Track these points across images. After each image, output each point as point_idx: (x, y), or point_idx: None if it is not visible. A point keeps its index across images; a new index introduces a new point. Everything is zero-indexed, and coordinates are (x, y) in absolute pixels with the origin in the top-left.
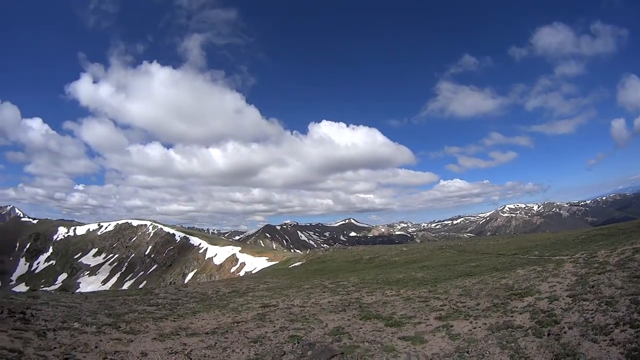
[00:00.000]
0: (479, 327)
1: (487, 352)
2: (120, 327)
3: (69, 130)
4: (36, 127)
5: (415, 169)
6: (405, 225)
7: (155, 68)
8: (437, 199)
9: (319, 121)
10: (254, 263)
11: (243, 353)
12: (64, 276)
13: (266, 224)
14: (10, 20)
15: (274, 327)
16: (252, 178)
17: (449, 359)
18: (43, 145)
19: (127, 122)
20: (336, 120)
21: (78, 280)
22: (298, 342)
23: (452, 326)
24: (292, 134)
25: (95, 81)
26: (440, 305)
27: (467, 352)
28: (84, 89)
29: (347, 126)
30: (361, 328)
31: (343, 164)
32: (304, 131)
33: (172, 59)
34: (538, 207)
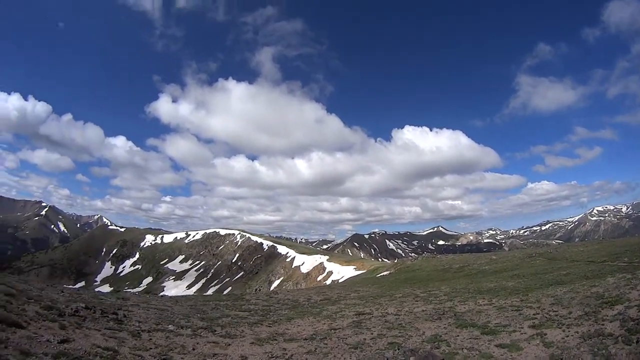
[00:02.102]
0: (572, 335)
1: (580, 359)
2: (215, 330)
3: (153, 146)
4: (120, 145)
5: (502, 171)
6: (494, 232)
7: (231, 84)
8: (525, 204)
9: (402, 127)
10: (342, 272)
11: (345, 358)
12: (148, 280)
13: (354, 232)
14: (86, 51)
15: (372, 334)
16: (339, 187)
17: None
18: (128, 161)
19: (210, 137)
20: (419, 124)
21: (163, 284)
22: (399, 349)
23: (545, 334)
24: (376, 141)
25: (174, 100)
26: (533, 314)
27: (562, 359)
28: (164, 108)
29: (431, 130)
30: (458, 336)
31: (429, 169)
32: (388, 138)
33: (247, 74)
34: (627, 209)
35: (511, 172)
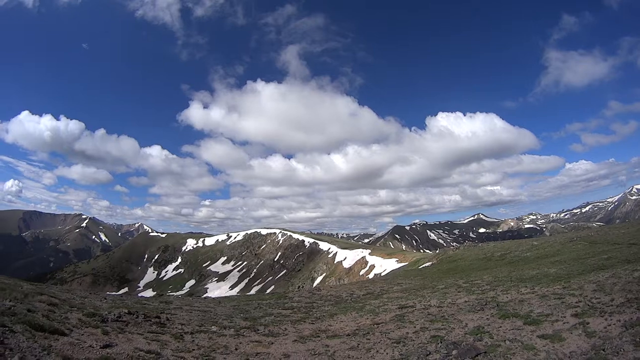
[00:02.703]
0: (614, 324)
1: (622, 350)
2: (258, 329)
3: (188, 152)
4: (155, 154)
5: (539, 153)
6: (534, 217)
7: (260, 85)
8: (564, 185)
9: (435, 114)
10: (384, 265)
11: (387, 354)
12: (191, 282)
13: (395, 224)
14: (112, 69)
15: (415, 327)
16: (377, 179)
17: (585, 357)
18: (165, 169)
19: (244, 139)
20: (452, 110)
21: (206, 286)
22: (441, 342)
23: (588, 323)
24: (410, 130)
25: (205, 106)
26: (576, 302)
27: (603, 350)
28: (195, 115)
29: (464, 115)
30: (500, 327)
31: (466, 155)
32: (422, 126)
33: (275, 74)
34: None
35: (548, 153)
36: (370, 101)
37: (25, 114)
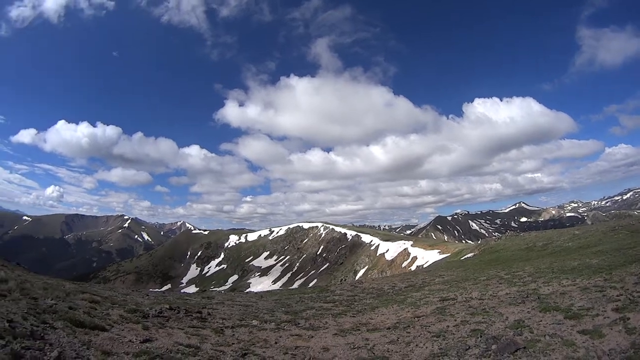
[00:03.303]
0: None
1: None
2: (299, 323)
3: (227, 150)
4: (194, 153)
5: (578, 137)
6: (575, 205)
7: (293, 80)
8: (604, 171)
9: (472, 100)
10: (426, 257)
11: (427, 347)
12: (234, 278)
13: (437, 215)
14: (145, 74)
15: (455, 321)
16: (417, 169)
17: (624, 355)
18: (204, 167)
19: (282, 134)
20: (488, 96)
21: (249, 281)
22: (481, 336)
23: (628, 319)
24: (448, 118)
25: (240, 104)
26: (617, 296)
27: None
28: (231, 113)
29: (501, 100)
30: (541, 321)
31: (505, 142)
32: (459, 113)
33: (307, 68)
34: None
35: (587, 137)
36: (405, 90)
37: (61, 123)
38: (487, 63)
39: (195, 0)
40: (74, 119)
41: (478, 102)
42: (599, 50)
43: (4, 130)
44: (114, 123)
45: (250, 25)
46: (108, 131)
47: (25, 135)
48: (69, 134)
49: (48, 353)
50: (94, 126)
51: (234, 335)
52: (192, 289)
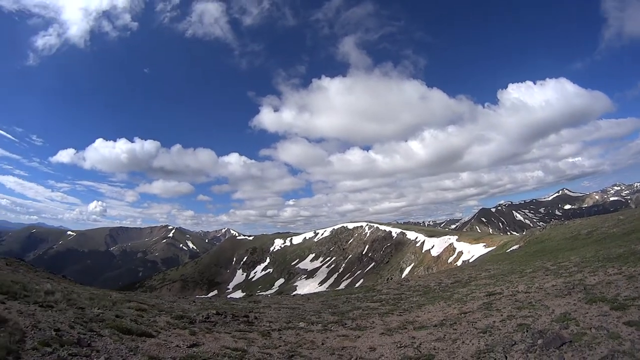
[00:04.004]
0: None
1: None
2: (346, 324)
3: (266, 156)
4: (234, 161)
5: (615, 116)
6: (618, 188)
7: (325, 82)
8: None
9: (505, 86)
10: (471, 251)
11: (473, 344)
12: (280, 281)
13: (480, 207)
14: (177, 88)
15: (501, 315)
16: (457, 162)
17: None
18: (245, 174)
19: (319, 136)
20: (521, 80)
21: (295, 284)
22: (527, 331)
23: None
24: (483, 107)
25: (275, 110)
26: None
27: None
28: (267, 119)
29: (534, 83)
30: (587, 313)
31: (542, 127)
32: (494, 101)
33: (337, 68)
34: None
35: (625, 115)
36: (438, 81)
37: (99, 141)
38: (517, 47)
39: (216, 12)
40: (112, 137)
41: (512, 87)
42: (626, 21)
43: (43, 152)
44: (152, 137)
45: (276, 31)
46: (146, 146)
47: (65, 155)
48: (107, 151)
49: (95, 359)
50: (132, 142)
51: (280, 337)
52: (239, 294)
